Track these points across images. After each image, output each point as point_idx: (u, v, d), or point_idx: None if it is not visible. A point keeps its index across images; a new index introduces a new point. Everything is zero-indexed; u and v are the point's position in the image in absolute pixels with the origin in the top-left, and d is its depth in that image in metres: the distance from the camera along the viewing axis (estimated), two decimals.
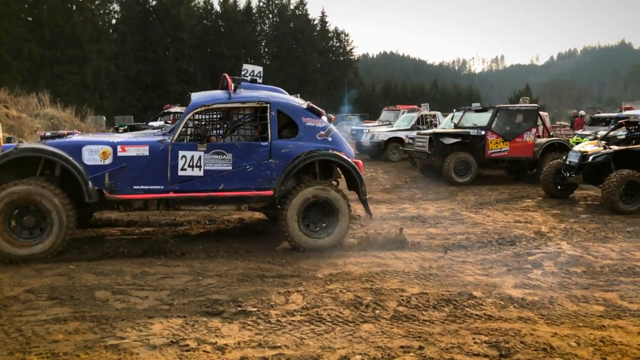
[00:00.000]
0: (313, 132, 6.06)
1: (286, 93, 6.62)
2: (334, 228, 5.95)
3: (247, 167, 5.82)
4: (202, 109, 6.03)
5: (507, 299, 4.36)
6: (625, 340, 3.58)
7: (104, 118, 30.81)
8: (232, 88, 6.08)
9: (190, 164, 5.70)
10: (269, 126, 5.90)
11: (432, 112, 18.91)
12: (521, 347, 3.45)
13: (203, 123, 6.70)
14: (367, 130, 19.40)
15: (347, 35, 67.26)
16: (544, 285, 4.78)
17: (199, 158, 5.72)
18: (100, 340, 3.44)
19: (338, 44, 66.79)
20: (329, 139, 6.12)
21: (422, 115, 18.37)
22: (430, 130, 13.71)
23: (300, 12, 62.53)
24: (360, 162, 6.45)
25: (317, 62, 62.07)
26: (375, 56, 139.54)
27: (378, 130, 18.51)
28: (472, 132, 12.35)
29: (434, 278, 4.94)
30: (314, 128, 6.07)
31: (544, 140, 12.44)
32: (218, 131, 6.67)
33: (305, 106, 6.17)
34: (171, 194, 5.71)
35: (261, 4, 61.09)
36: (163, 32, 50.95)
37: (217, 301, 4.21)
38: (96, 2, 49.02)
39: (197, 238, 6.46)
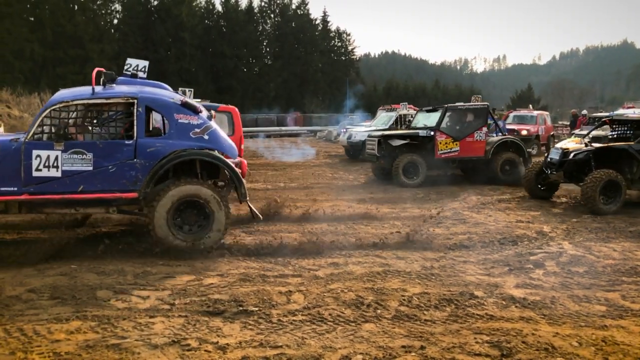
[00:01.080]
0: (187, 129, 5.70)
1: (170, 89, 6.31)
2: (208, 230, 5.65)
3: (110, 167, 5.48)
4: (61, 105, 5.54)
5: (509, 299, 4.35)
6: (627, 340, 3.58)
7: None
8: (102, 83, 5.73)
9: (46, 164, 5.35)
10: (135, 123, 5.56)
11: (411, 112, 18.55)
12: (523, 347, 3.44)
13: (67, 121, 5.85)
14: (344, 130, 19.14)
15: (349, 34, 67.41)
16: (546, 285, 4.77)
17: (56, 158, 5.36)
18: (102, 340, 3.45)
19: (340, 44, 66.74)
20: (205, 137, 5.76)
21: (400, 115, 18.01)
22: (379, 132, 13.42)
23: (302, 12, 62.52)
24: (245, 162, 6.25)
25: (319, 61, 62.05)
26: (377, 56, 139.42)
27: (356, 130, 18.26)
28: (421, 133, 12.05)
29: (436, 278, 4.93)
30: (188, 125, 5.71)
31: (495, 139, 12.18)
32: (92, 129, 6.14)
33: (179, 102, 5.79)
34: (25, 196, 5.35)
35: (263, 3, 61.10)
36: (165, 32, 51.01)
37: (219, 301, 4.21)
38: (98, 2, 49.12)
39: None
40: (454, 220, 7.78)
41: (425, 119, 12.85)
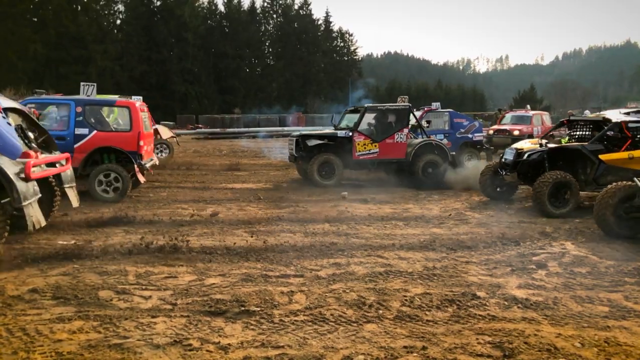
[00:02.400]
0: None
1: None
2: None
3: None
4: None
5: (511, 300, 4.34)
6: (630, 341, 3.56)
7: None
8: None
9: None
10: None
11: None
12: (525, 347, 3.43)
13: None
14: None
15: (352, 35, 67.55)
16: (549, 285, 4.76)
17: None
18: (104, 340, 3.45)
19: (342, 44, 66.84)
20: None
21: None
22: (298, 132, 13.12)
23: (304, 12, 62.59)
24: (31, 162, 5.60)
25: (321, 62, 62.14)
26: (379, 56, 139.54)
27: (317, 131, 17.86)
28: (340, 133, 11.79)
29: (438, 278, 4.93)
30: None
31: (417, 141, 11.94)
32: None
33: None
34: None
35: (265, 4, 61.21)
36: (167, 32, 51.11)
37: (221, 301, 4.21)
38: (101, 3, 49.26)
39: (199, 238, 6.46)
40: (456, 220, 7.77)
41: (351, 119, 12.55)
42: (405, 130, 11.84)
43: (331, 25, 65.56)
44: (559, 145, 8.86)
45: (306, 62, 60.25)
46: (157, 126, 16.94)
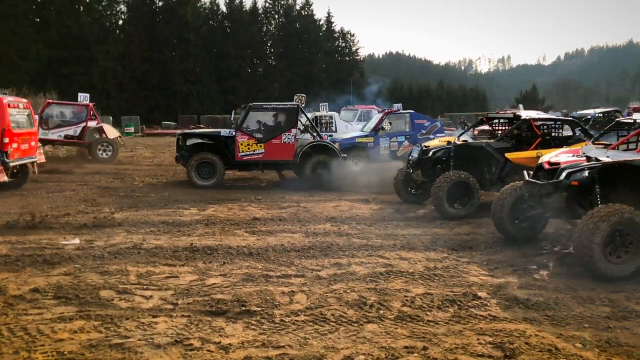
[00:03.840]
0: None
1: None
2: None
3: None
4: None
5: (513, 300, 4.34)
6: (631, 342, 3.56)
7: (111, 119, 30.94)
8: None
9: None
10: None
11: (330, 114, 17.46)
12: (526, 348, 3.43)
13: None
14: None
15: (353, 35, 67.35)
16: (550, 286, 4.75)
17: None
18: (105, 340, 3.46)
19: (344, 45, 66.83)
20: None
21: (317, 117, 16.93)
22: (180, 131, 12.72)
23: (306, 13, 62.61)
24: None
25: (323, 62, 62.14)
26: (381, 56, 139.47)
27: None
28: (223, 133, 11.44)
29: (439, 279, 4.92)
30: None
31: (306, 142, 11.61)
32: None
33: None
34: None
35: (267, 4, 61.23)
36: (170, 33, 51.17)
37: (222, 301, 4.21)
38: (104, 4, 49.36)
39: (200, 238, 6.46)
40: (458, 220, 7.76)
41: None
42: (294, 131, 11.35)
43: (333, 25, 65.59)
44: (463, 142, 8.58)
45: (308, 63, 60.26)
46: (102, 125, 16.77)
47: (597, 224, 4.79)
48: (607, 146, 6.10)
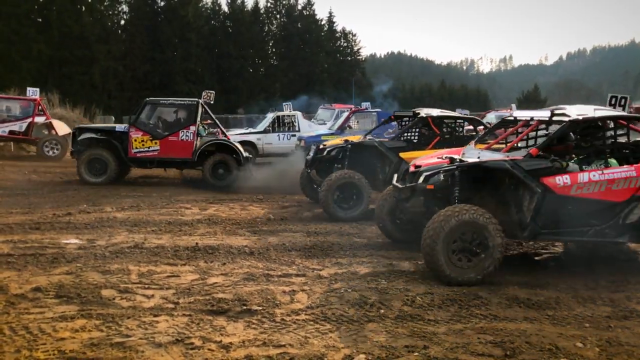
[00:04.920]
0: None
1: None
2: None
3: None
4: None
5: (513, 299, 4.34)
6: (632, 341, 3.56)
7: (113, 118, 30.94)
8: None
9: None
10: None
11: (292, 113, 17.04)
12: (526, 347, 3.43)
13: None
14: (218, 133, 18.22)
15: (355, 35, 67.22)
16: (550, 285, 4.75)
17: None
18: (106, 338, 3.46)
19: (345, 44, 66.73)
20: None
21: (279, 116, 16.57)
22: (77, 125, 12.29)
23: (307, 13, 62.55)
24: None
25: (325, 62, 62.05)
26: (382, 56, 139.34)
27: (230, 133, 16.77)
28: (118, 128, 11.11)
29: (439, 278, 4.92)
30: None
31: (205, 140, 11.25)
32: None
33: None
34: None
35: (269, 4, 61.17)
36: (171, 32, 51.15)
37: (223, 300, 4.22)
38: (105, 3, 49.35)
39: (201, 238, 6.47)
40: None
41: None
42: (192, 128, 10.97)
43: (334, 25, 65.48)
44: (358, 141, 8.39)
45: (309, 63, 60.20)
46: (52, 121, 16.14)
47: (437, 227, 4.64)
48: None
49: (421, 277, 4.92)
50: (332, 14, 67.00)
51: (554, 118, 5.25)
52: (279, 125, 15.97)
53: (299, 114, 17.14)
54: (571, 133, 5.47)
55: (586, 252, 5.90)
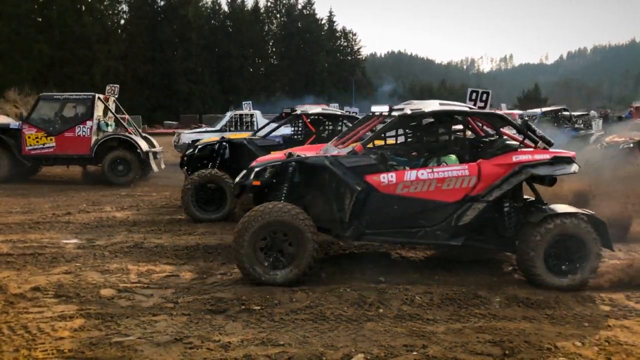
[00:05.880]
0: None
1: None
2: None
3: None
4: None
5: (512, 298, 4.34)
6: (630, 341, 3.56)
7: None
8: None
9: None
10: None
11: (251, 112, 16.97)
12: (525, 346, 3.43)
13: None
14: (175, 134, 17.87)
15: (355, 34, 67.37)
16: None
17: None
18: (105, 338, 3.46)
19: (346, 44, 66.82)
20: None
21: (236, 115, 16.41)
22: None
23: (307, 12, 62.60)
24: None
25: (325, 61, 62.09)
26: (383, 55, 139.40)
27: (184, 133, 16.70)
28: (12, 125, 10.78)
29: (439, 277, 4.92)
30: None
31: (103, 135, 11.02)
32: None
33: None
34: None
35: (269, 3, 61.22)
36: (171, 32, 51.18)
37: (222, 299, 4.22)
38: (105, 3, 49.37)
39: (201, 237, 6.47)
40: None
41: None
42: (89, 123, 10.72)
43: (334, 24, 65.57)
44: (228, 139, 8.19)
45: (309, 62, 60.22)
46: None
47: (244, 226, 4.48)
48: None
49: (421, 277, 4.92)
50: (332, 14, 67.23)
51: (392, 112, 5.09)
52: (238, 124, 15.85)
53: (258, 112, 16.96)
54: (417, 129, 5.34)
55: None
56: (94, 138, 10.82)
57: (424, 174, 4.70)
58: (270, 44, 61.98)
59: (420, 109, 5.00)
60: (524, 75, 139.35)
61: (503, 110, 21.30)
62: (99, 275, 4.83)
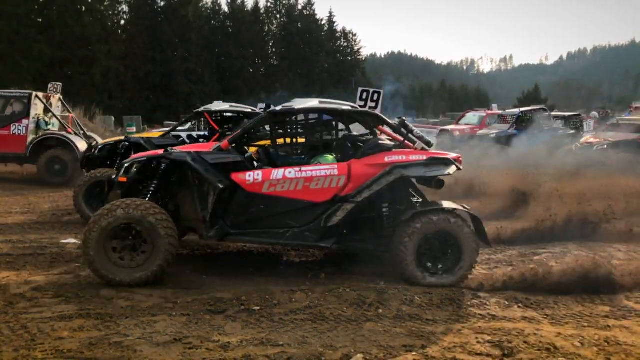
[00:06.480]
0: None
1: None
2: None
3: None
4: None
5: (512, 299, 4.34)
6: (630, 341, 3.56)
7: (113, 118, 30.96)
8: None
9: None
10: None
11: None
12: (524, 346, 3.43)
13: None
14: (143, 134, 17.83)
15: (355, 35, 67.22)
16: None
17: None
18: (105, 338, 3.47)
19: (346, 44, 66.74)
20: None
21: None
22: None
23: (307, 12, 62.55)
24: None
25: (325, 62, 62.05)
26: (383, 56, 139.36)
27: (155, 131, 16.20)
28: None
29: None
30: None
31: (40, 134, 10.83)
32: None
33: None
34: None
35: (269, 4, 61.16)
36: (171, 32, 51.15)
37: (221, 299, 4.22)
38: (105, 3, 49.34)
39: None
40: None
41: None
42: (25, 122, 10.55)
43: (335, 25, 65.48)
44: (127, 138, 8.06)
45: (310, 62, 60.19)
46: None
47: (92, 224, 4.33)
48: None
49: None
50: (332, 14, 67.14)
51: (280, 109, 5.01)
52: (203, 124, 15.70)
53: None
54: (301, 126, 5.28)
55: (584, 251, 5.89)
56: (30, 137, 10.67)
57: (291, 172, 4.60)
58: (270, 44, 61.95)
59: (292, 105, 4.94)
60: (524, 76, 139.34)
61: (494, 111, 21.29)
62: None
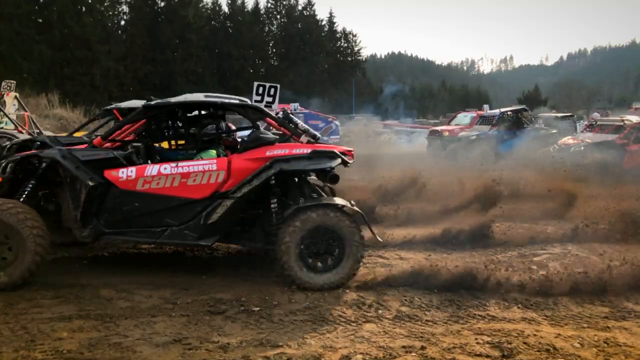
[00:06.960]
0: None
1: None
2: None
3: None
4: None
5: (511, 300, 4.34)
6: (629, 342, 3.56)
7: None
8: None
9: None
10: None
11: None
12: (524, 347, 3.43)
13: None
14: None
15: (355, 35, 67.13)
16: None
17: None
18: (104, 338, 3.47)
19: (346, 45, 66.68)
20: None
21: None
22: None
23: (308, 13, 62.54)
24: None
25: (325, 62, 62.05)
26: (383, 57, 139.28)
27: None
28: None
29: None
30: None
31: None
32: None
33: None
34: None
35: (269, 4, 61.18)
36: (171, 33, 51.18)
37: (221, 300, 4.23)
38: (105, 4, 49.36)
39: None
40: None
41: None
42: None
43: (335, 25, 65.44)
44: (37, 137, 7.58)
45: (310, 63, 60.18)
46: None
47: None
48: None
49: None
50: (333, 15, 67.10)
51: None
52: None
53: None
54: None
55: (584, 252, 5.89)
56: None
57: (167, 168, 4.45)
58: (271, 45, 61.97)
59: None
60: (524, 77, 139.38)
61: (485, 111, 21.30)
62: (98, 275, 4.82)
